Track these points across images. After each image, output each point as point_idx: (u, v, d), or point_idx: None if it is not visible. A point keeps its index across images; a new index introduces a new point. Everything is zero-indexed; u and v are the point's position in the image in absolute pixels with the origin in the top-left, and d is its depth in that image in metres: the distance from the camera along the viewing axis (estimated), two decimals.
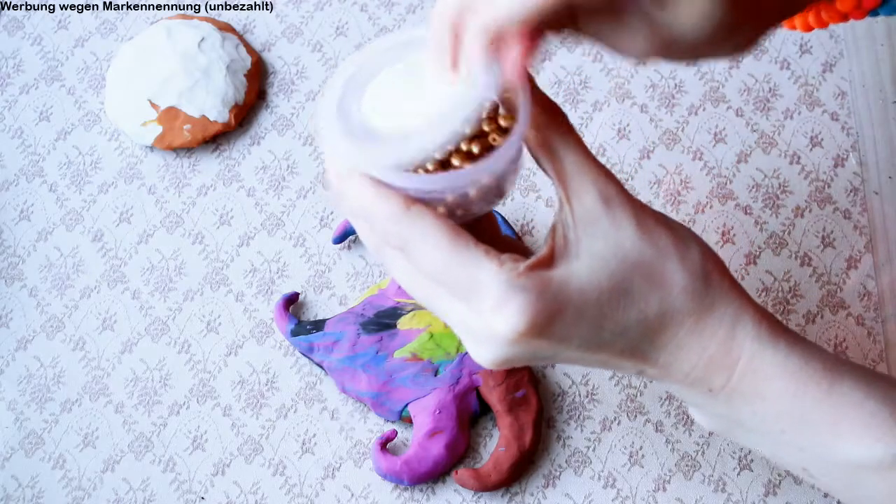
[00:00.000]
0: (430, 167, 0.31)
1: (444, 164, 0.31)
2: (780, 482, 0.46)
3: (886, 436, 0.33)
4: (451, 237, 0.31)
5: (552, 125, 0.33)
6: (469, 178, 0.31)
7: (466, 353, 0.46)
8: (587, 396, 0.47)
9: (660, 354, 0.33)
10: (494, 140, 0.32)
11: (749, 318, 0.33)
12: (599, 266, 0.32)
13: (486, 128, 0.32)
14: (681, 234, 0.33)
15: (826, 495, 0.45)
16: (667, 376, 0.34)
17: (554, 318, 0.31)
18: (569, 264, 0.32)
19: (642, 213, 0.33)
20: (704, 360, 0.33)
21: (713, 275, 0.33)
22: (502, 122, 0.32)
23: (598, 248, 0.32)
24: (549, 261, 0.32)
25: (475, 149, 0.31)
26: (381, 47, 0.33)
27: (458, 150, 0.31)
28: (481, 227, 0.35)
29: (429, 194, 0.31)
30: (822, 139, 0.53)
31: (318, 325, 0.47)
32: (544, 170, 0.33)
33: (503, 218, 0.49)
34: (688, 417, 0.47)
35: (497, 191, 0.33)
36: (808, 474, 0.35)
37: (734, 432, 0.35)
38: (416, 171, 0.31)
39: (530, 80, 0.33)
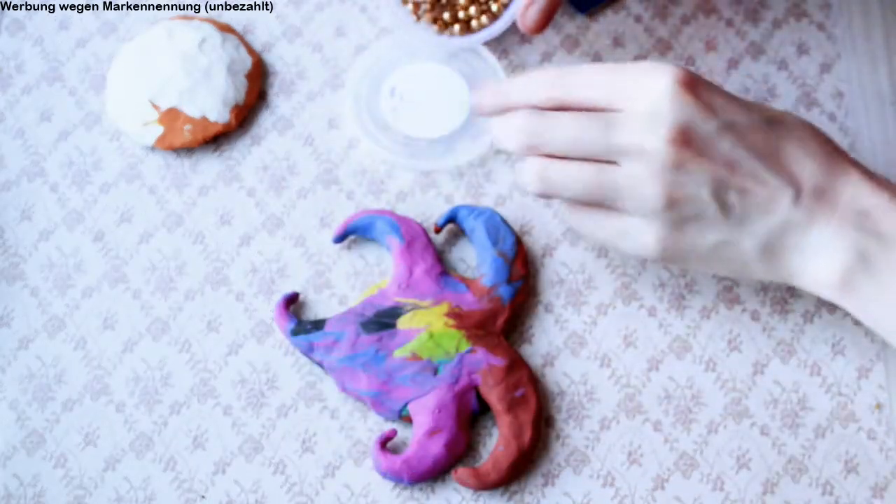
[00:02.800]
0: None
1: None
2: (778, 481, 0.46)
3: None
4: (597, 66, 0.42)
5: None
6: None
7: (466, 353, 0.46)
8: (586, 396, 0.48)
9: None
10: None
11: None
12: None
13: None
14: None
15: (824, 492, 0.45)
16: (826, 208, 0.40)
17: (699, 79, 0.40)
18: None
19: None
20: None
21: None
22: None
23: None
24: None
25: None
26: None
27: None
28: None
29: None
30: None
31: (318, 324, 0.48)
32: None
33: (502, 218, 0.49)
34: (685, 415, 0.47)
35: None
36: None
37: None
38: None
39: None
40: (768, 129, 0.41)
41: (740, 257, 0.42)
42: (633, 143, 0.40)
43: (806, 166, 0.40)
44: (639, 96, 0.40)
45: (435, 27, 0.51)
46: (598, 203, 0.42)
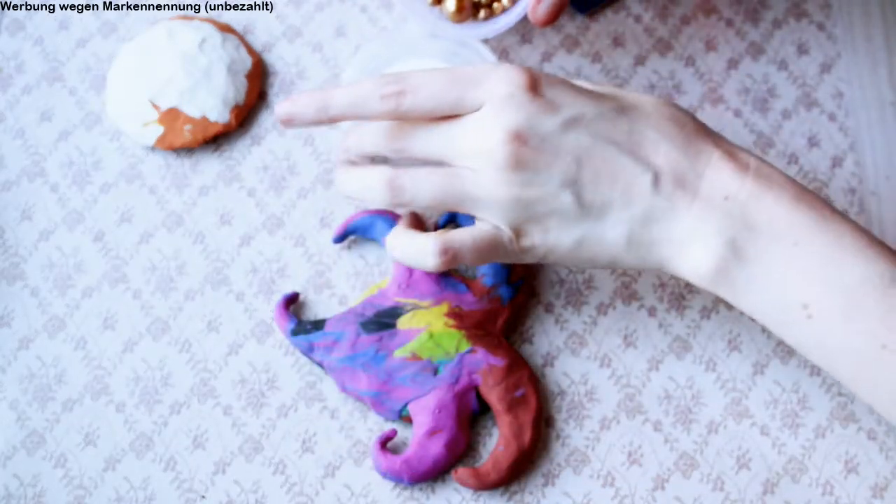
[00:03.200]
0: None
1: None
2: (778, 481, 0.46)
3: (883, 255, 0.37)
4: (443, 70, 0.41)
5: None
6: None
7: (466, 353, 0.46)
8: (586, 396, 0.48)
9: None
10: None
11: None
12: None
13: None
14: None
15: (824, 492, 0.45)
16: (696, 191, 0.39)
17: (541, 77, 0.40)
18: None
19: None
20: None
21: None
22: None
23: None
24: None
25: None
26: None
27: None
28: None
29: None
30: (819, 140, 0.53)
31: (318, 324, 0.48)
32: None
33: None
34: (685, 415, 0.47)
35: None
36: (807, 313, 0.38)
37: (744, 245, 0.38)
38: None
39: None
40: (621, 116, 0.39)
41: (607, 250, 0.40)
42: (473, 148, 0.39)
43: (662, 151, 0.39)
44: (479, 100, 0.39)
45: (453, 11, 0.50)
46: (451, 210, 0.41)
